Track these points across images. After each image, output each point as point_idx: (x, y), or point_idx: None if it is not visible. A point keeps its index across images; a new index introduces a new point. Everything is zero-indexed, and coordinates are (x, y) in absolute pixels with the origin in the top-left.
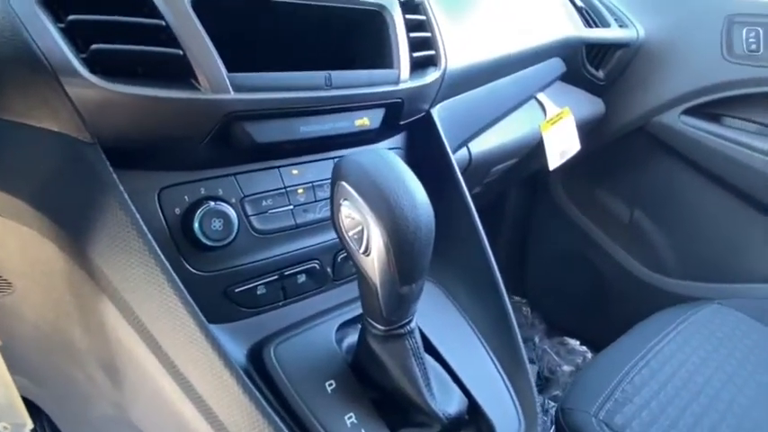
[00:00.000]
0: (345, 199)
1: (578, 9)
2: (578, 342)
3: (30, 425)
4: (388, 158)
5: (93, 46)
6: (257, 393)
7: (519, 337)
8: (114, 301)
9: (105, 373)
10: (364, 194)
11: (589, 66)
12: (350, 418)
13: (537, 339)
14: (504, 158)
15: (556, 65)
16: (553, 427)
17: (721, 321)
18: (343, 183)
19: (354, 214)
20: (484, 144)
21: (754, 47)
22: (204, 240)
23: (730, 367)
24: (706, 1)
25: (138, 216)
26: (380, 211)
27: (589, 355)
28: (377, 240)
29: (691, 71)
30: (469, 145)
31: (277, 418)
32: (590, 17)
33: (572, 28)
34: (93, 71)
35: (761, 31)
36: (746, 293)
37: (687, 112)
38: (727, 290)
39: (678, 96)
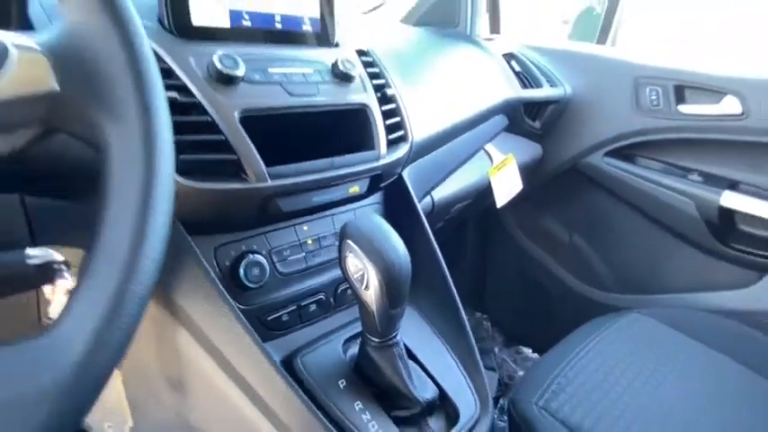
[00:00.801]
0: (350, 252)
1: (516, 73)
2: (531, 350)
3: (130, 422)
4: (379, 223)
5: (182, 156)
6: (298, 390)
7: (474, 343)
8: (190, 330)
9: (171, 387)
10: (364, 250)
11: (527, 118)
12: (357, 404)
13: (497, 350)
14: (460, 200)
15: (500, 120)
16: (506, 415)
17: (638, 327)
18: (349, 241)
19: (357, 263)
20: (444, 191)
21: (655, 102)
22: (247, 283)
23: (642, 361)
24: (619, 65)
25: (209, 269)
26: (376, 261)
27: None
28: (373, 280)
29: (609, 121)
30: (432, 193)
31: (313, 406)
32: (526, 79)
33: (511, 90)
34: (179, 173)
35: (660, 90)
36: (662, 302)
37: (608, 154)
38: (647, 299)
39: (600, 142)
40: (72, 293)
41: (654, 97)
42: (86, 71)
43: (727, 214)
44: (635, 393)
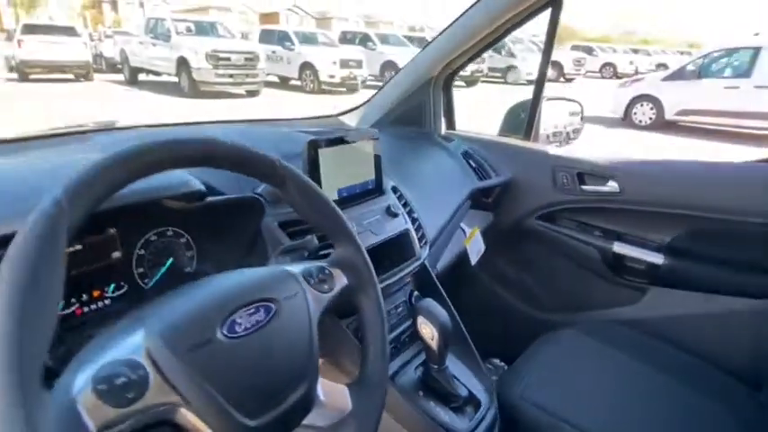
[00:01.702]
0: (424, 324)
1: (473, 168)
2: (499, 360)
3: None
4: (434, 304)
5: None
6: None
7: (479, 358)
8: None
9: None
10: (430, 321)
11: (483, 198)
12: (431, 403)
13: None
14: (451, 264)
15: (467, 203)
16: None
17: (574, 340)
18: (421, 316)
19: (425, 329)
20: (442, 261)
21: (566, 183)
22: None
23: (582, 362)
24: (541, 156)
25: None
26: (436, 327)
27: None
28: (435, 335)
29: (537, 196)
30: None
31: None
32: (479, 171)
33: (473, 183)
34: None
35: (568, 175)
36: (581, 317)
37: (538, 217)
38: (572, 315)
39: (533, 209)
40: None
41: (565, 180)
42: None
43: (618, 256)
44: (584, 384)
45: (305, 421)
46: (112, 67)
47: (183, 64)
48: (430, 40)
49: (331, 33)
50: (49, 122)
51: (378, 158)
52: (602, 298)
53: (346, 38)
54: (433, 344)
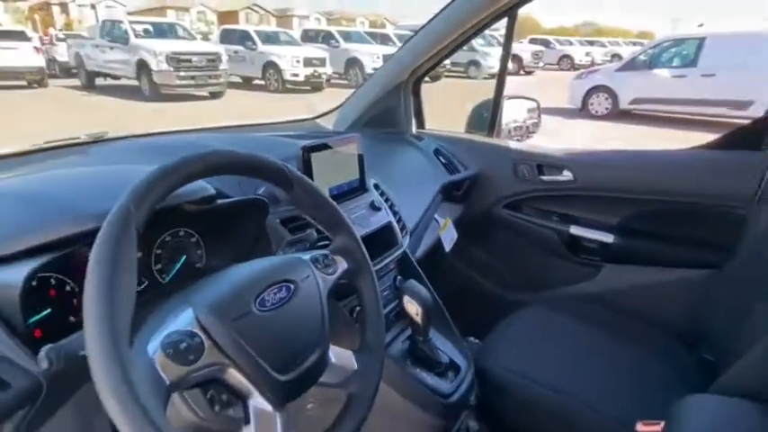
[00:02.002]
0: (409, 301)
1: (443, 164)
2: (473, 338)
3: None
4: (417, 284)
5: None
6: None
7: (456, 331)
8: None
9: None
10: (414, 300)
11: (453, 191)
12: (418, 370)
13: None
14: (428, 251)
15: (440, 196)
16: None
17: (540, 314)
18: (406, 295)
19: (410, 306)
20: (420, 249)
21: (527, 175)
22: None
23: (547, 332)
24: (504, 150)
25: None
26: (419, 304)
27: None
28: (419, 311)
29: (500, 187)
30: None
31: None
32: (450, 167)
33: (444, 177)
34: None
35: (528, 167)
36: (544, 294)
37: (504, 206)
38: (535, 294)
39: (498, 199)
40: None
41: (526, 171)
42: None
43: (575, 237)
44: (548, 350)
45: (321, 379)
46: (67, 72)
47: (142, 67)
48: (392, 36)
49: (293, 32)
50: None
51: (361, 159)
52: (563, 276)
53: (309, 36)
54: (418, 319)
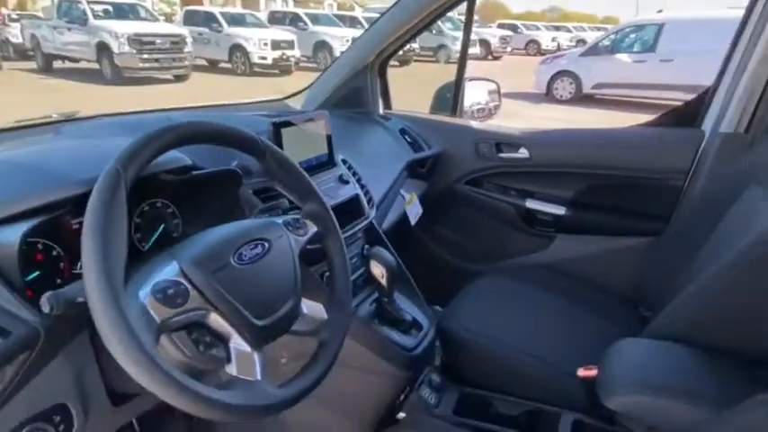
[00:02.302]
0: (375, 265)
1: (408, 142)
2: (438, 306)
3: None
4: (382, 250)
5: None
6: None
7: (420, 295)
8: None
9: None
10: (379, 263)
11: (418, 168)
12: (384, 328)
13: None
14: (394, 224)
15: (405, 172)
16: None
17: (498, 283)
18: (372, 260)
19: (376, 269)
20: (387, 221)
21: (486, 152)
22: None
23: (503, 299)
24: (465, 130)
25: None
26: (384, 267)
27: None
28: (384, 273)
29: (462, 164)
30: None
31: (374, 329)
32: (415, 145)
33: (409, 155)
34: None
35: (488, 145)
36: (503, 265)
37: (465, 183)
38: (495, 264)
39: (460, 176)
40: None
41: (485, 149)
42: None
43: (530, 211)
44: (505, 312)
45: (293, 327)
46: (22, 54)
47: (103, 49)
48: (361, 19)
49: (260, 14)
50: None
51: (329, 136)
52: (519, 247)
53: (276, 18)
54: (383, 281)
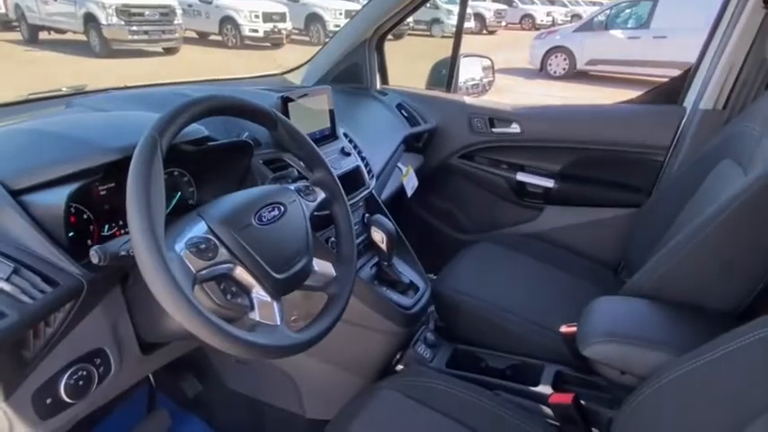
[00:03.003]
0: (374, 230)
1: (405, 117)
2: (433, 274)
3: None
4: (382, 217)
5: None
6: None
7: (417, 260)
8: None
9: None
10: (379, 229)
11: (414, 142)
12: (384, 289)
13: None
14: (392, 195)
15: (402, 146)
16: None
17: (487, 249)
18: (373, 226)
19: (376, 235)
20: (385, 192)
21: (480, 127)
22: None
23: (493, 262)
24: (460, 105)
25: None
26: (384, 233)
27: None
28: (384, 239)
29: (457, 139)
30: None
31: (373, 289)
32: (412, 120)
33: (406, 129)
34: None
35: (481, 120)
36: (495, 235)
37: (459, 156)
38: (487, 234)
39: (454, 151)
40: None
41: (479, 124)
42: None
43: (521, 184)
44: (495, 276)
45: (306, 282)
46: (5, 25)
47: (91, 21)
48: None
49: None
50: None
51: (332, 110)
52: (510, 218)
53: None
54: (383, 246)
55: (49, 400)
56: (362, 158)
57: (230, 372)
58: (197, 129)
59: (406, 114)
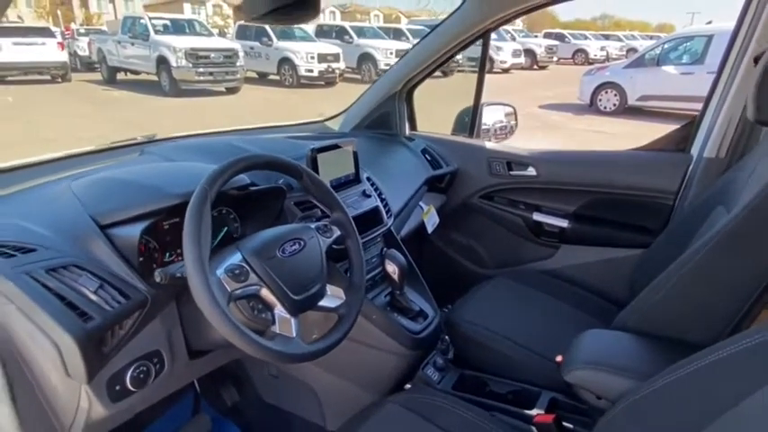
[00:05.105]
0: (388, 263)
1: (428, 161)
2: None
3: None
4: (395, 251)
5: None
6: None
7: (428, 291)
8: None
9: None
10: (392, 262)
11: (437, 183)
12: (396, 315)
13: None
14: (412, 232)
15: (424, 187)
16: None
17: (503, 284)
18: (387, 259)
19: (389, 267)
20: (405, 229)
21: (498, 170)
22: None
23: (508, 299)
24: (480, 149)
25: None
26: (396, 265)
27: None
28: (396, 270)
29: (476, 180)
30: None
31: (387, 317)
32: (435, 163)
33: (428, 172)
34: None
35: (500, 164)
36: (514, 272)
37: (480, 197)
38: (505, 270)
39: (475, 191)
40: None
41: (497, 167)
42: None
43: (537, 223)
44: (509, 311)
45: (320, 303)
46: (88, 66)
47: (162, 63)
48: (405, 31)
49: (307, 27)
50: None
51: (356, 157)
52: (528, 255)
53: (323, 31)
54: (395, 276)
55: (117, 387)
56: (382, 199)
57: (265, 385)
58: (241, 178)
59: (429, 158)
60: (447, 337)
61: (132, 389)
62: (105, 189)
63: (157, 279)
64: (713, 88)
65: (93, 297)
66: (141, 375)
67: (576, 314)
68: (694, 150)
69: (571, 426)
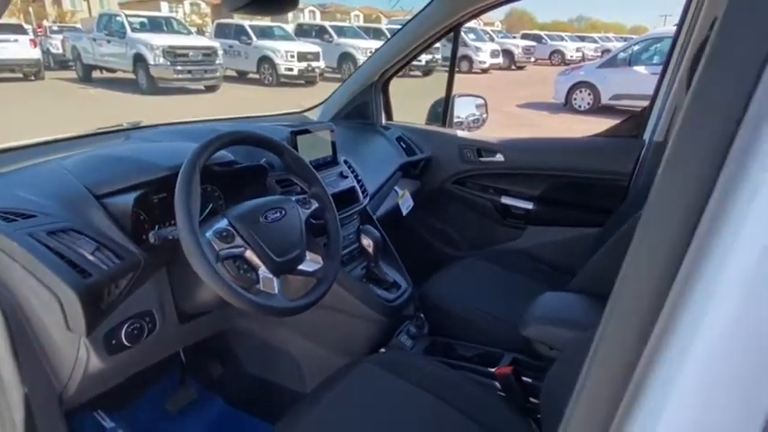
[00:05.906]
0: (364, 238)
1: (403, 148)
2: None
3: None
4: (371, 227)
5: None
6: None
7: (401, 264)
8: None
9: None
10: (367, 236)
11: (412, 169)
12: (372, 287)
13: None
14: (387, 213)
15: (399, 172)
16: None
17: (472, 263)
18: (362, 234)
19: (364, 241)
20: (381, 210)
21: (469, 157)
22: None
23: (479, 273)
24: (452, 138)
25: None
26: (371, 239)
27: None
28: (371, 244)
29: (449, 167)
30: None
31: (364, 287)
32: (409, 150)
33: (402, 158)
34: None
35: (470, 150)
36: (484, 253)
37: (452, 182)
38: (476, 252)
39: (448, 177)
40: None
41: (468, 154)
42: None
43: (505, 206)
44: (479, 283)
45: (299, 267)
46: (61, 64)
47: (140, 61)
48: (385, 30)
49: (287, 26)
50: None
51: (333, 142)
52: (497, 236)
53: (303, 30)
54: (370, 249)
55: (113, 341)
56: (358, 181)
57: (248, 357)
58: (225, 155)
59: (404, 146)
60: (422, 315)
61: (127, 344)
62: (97, 163)
63: (151, 240)
64: (660, 80)
65: (91, 257)
66: (135, 332)
67: (540, 287)
68: (646, 136)
69: (530, 380)
